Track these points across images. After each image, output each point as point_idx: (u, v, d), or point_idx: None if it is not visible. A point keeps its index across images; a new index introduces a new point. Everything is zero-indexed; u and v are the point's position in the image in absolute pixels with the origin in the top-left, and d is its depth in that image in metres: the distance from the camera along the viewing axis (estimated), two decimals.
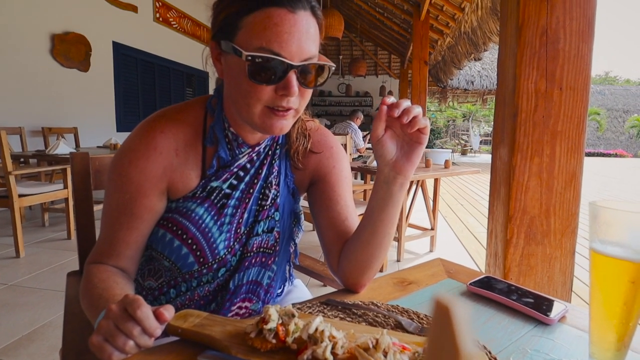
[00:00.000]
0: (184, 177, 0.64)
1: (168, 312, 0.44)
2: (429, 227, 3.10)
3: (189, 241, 0.63)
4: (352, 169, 2.77)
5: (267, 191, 0.69)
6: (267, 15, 0.54)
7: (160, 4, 6.23)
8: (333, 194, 0.71)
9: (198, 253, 0.64)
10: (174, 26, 6.66)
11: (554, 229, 1.28)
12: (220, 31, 0.59)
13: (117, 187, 0.61)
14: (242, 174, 0.67)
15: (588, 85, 1.21)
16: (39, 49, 4.22)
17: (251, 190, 0.68)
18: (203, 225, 0.63)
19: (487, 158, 13.32)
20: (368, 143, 6.50)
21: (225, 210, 0.65)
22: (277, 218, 0.70)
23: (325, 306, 0.59)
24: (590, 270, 0.43)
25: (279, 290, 0.80)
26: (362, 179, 3.36)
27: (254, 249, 0.68)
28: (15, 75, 3.96)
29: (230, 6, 0.57)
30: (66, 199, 3.01)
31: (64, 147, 3.25)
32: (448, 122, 19.24)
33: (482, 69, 10.81)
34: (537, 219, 1.28)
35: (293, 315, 0.44)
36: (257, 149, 0.68)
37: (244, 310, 0.70)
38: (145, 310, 0.42)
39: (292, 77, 0.56)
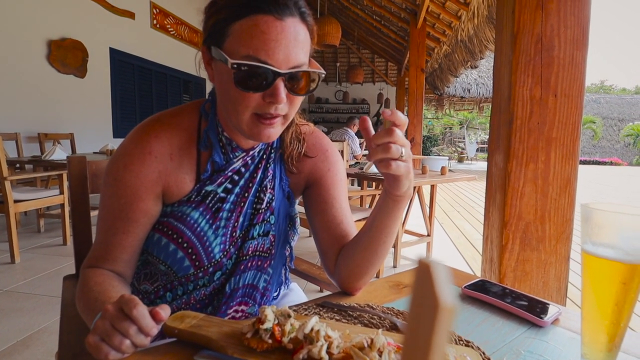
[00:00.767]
0: (178, 181, 0.64)
1: (164, 311, 0.44)
2: (426, 234, 3.11)
3: (185, 245, 0.63)
4: (349, 175, 2.78)
5: (262, 195, 0.69)
6: (254, 23, 0.54)
7: (157, 10, 6.27)
8: (328, 197, 0.72)
9: (194, 257, 0.64)
10: (171, 33, 6.69)
11: (549, 235, 1.29)
12: (210, 37, 0.59)
13: (112, 192, 0.62)
14: (236, 177, 0.68)
15: (582, 92, 1.23)
16: (35, 55, 4.23)
17: (246, 194, 0.68)
18: (198, 229, 0.64)
19: (483, 165, 13.40)
20: (365, 150, 6.53)
21: (221, 214, 0.66)
22: (272, 222, 0.71)
23: (321, 308, 0.59)
24: (582, 271, 0.44)
25: (275, 294, 0.80)
26: (358, 185, 3.37)
27: (250, 252, 0.68)
28: (11, 80, 3.96)
29: (219, 12, 0.57)
30: (62, 205, 3.00)
31: (60, 153, 3.25)
32: (445, 129, 19.36)
33: (478, 77, 10.91)
34: (532, 225, 1.29)
35: (289, 316, 0.45)
36: (251, 153, 0.68)
37: (240, 314, 0.70)
38: (141, 310, 0.43)
39: (280, 84, 0.56)
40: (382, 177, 0.59)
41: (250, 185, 0.69)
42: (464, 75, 10.31)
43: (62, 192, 2.98)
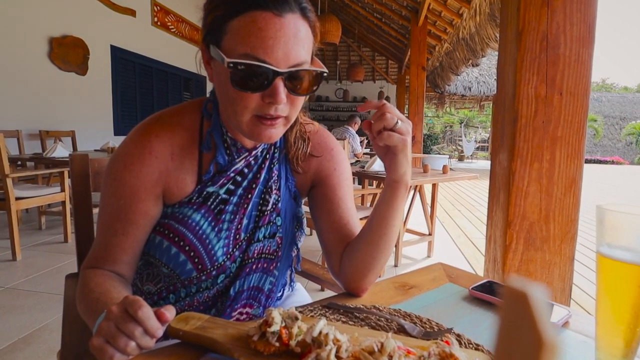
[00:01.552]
0: (179, 181, 0.63)
1: (169, 312, 0.43)
2: (427, 233, 3.10)
3: (186, 248, 0.62)
4: None
5: (267, 196, 0.68)
6: (251, 20, 0.52)
7: (158, 8, 6.25)
8: (334, 197, 0.71)
9: (196, 260, 0.63)
10: (172, 30, 6.67)
11: (553, 234, 1.28)
12: (208, 35, 0.57)
13: (112, 192, 0.61)
14: (239, 178, 0.66)
15: (588, 90, 1.21)
16: (37, 53, 4.22)
17: (250, 196, 0.67)
18: (200, 231, 0.62)
19: (484, 164, 13.38)
20: (365, 148, 6.52)
21: (223, 216, 0.64)
22: (279, 223, 0.69)
23: (327, 310, 0.59)
24: (597, 274, 0.43)
25: (279, 294, 0.79)
26: (359, 184, 3.36)
27: (255, 255, 0.67)
28: (13, 78, 3.95)
29: (217, 9, 0.55)
30: (63, 202, 2.99)
31: (61, 151, 3.24)
32: (445, 127, 19.33)
33: (479, 75, 10.88)
34: (537, 225, 1.28)
35: (296, 318, 0.44)
36: (254, 152, 0.67)
37: (244, 316, 0.69)
38: (147, 311, 0.42)
39: (279, 84, 0.54)
40: (383, 176, 0.60)
41: (254, 186, 0.67)
42: (465, 74, 10.27)
43: (63, 190, 2.97)
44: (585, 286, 2.64)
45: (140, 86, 5.98)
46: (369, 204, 3.59)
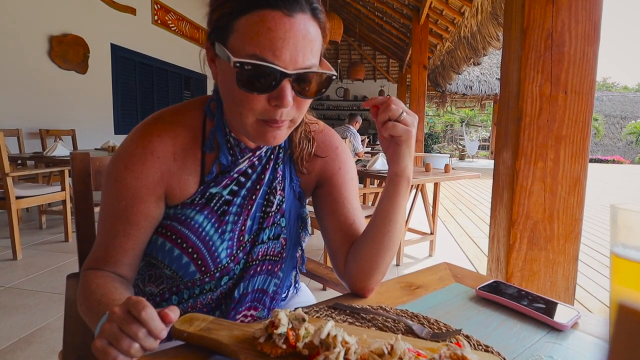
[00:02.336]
0: (181, 182, 0.62)
1: (173, 313, 0.42)
2: (429, 232, 3.09)
3: (189, 250, 0.61)
4: None
5: (271, 197, 0.67)
6: (260, 19, 0.50)
7: (158, 6, 6.23)
8: (339, 197, 0.70)
9: (199, 262, 0.61)
10: (173, 29, 6.66)
11: (557, 234, 1.27)
12: (214, 32, 0.55)
13: (112, 193, 0.59)
14: (243, 179, 0.65)
15: (593, 89, 1.20)
16: (36, 51, 4.20)
17: (253, 197, 0.66)
18: (203, 233, 0.61)
19: (484, 163, 13.35)
20: (367, 147, 6.51)
21: (227, 217, 0.63)
22: (283, 224, 0.68)
23: (333, 310, 0.58)
24: (611, 275, 0.42)
25: (284, 296, 0.78)
26: (361, 183, 3.35)
27: (259, 256, 0.66)
28: (12, 76, 3.94)
29: (223, 5, 0.53)
30: (64, 201, 2.99)
31: (61, 149, 3.23)
32: (446, 127, 19.30)
33: (480, 74, 10.85)
34: (541, 224, 1.27)
35: (303, 320, 0.43)
36: (257, 153, 0.65)
37: (249, 319, 0.68)
38: (150, 312, 0.41)
39: (286, 86, 0.52)
40: (385, 175, 0.59)
41: (258, 187, 0.66)
42: (466, 72, 10.25)
43: (63, 189, 2.96)
44: (587, 285, 2.63)
45: (141, 85, 5.97)
46: (370, 203, 3.58)
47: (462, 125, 18.00)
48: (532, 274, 1.30)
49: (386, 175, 0.62)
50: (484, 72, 10.88)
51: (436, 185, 3.08)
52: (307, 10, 0.52)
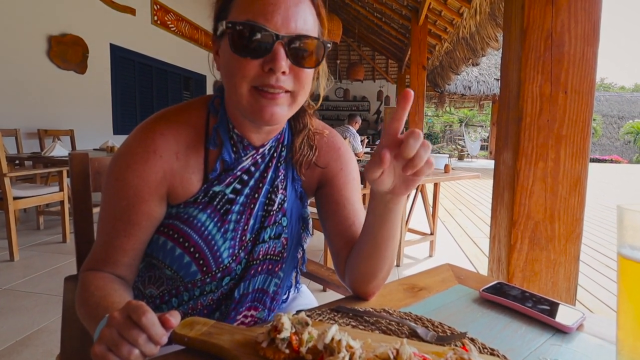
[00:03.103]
0: (184, 181, 0.61)
1: (174, 318, 0.42)
2: (429, 232, 3.09)
3: (191, 249, 0.60)
4: None
5: (273, 196, 0.66)
6: None
7: (158, 6, 6.22)
8: (340, 198, 0.69)
9: (201, 262, 0.61)
10: (172, 29, 6.64)
11: (558, 234, 1.27)
12: (217, 18, 0.58)
13: (114, 192, 0.58)
14: (246, 177, 0.64)
15: (593, 89, 1.20)
16: (35, 51, 4.18)
17: (256, 195, 0.65)
18: (206, 232, 0.60)
19: (484, 163, 13.36)
20: (366, 147, 6.50)
21: (229, 216, 0.62)
22: (284, 224, 0.67)
23: (335, 313, 0.57)
24: (618, 276, 0.41)
25: (284, 297, 0.77)
26: (361, 184, 3.34)
27: (260, 256, 0.65)
28: (11, 76, 3.92)
29: None
30: (62, 202, 2.97)
31: (60, 150, 3.22)
32: (445, 127, 19.32)
33: (479, 75, 10.87)
34: (542, 224, 1.26)
35: (307, 324, 0.42)
36: (261, 150, 0.65)
37: (249, 319, 0.67)
38: (151, 317, 0.40)
39: (279, 49, 0.53)
40: None
41: (261, 185, 0.65)
42: (465, 73, 10.27)
43: (62, 189, 2.95)
44: (587, 285, 2.63)
45: (140, 85, 5.95)
46: None
47: (460, 126, 18.02)
48: (533, 274, 1.30)
49: (396, 182, 0.51)
50: (482, 73, 10.90)
51: (436, 185, 3.08)
52: None
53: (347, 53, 12.86)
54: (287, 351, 0.40)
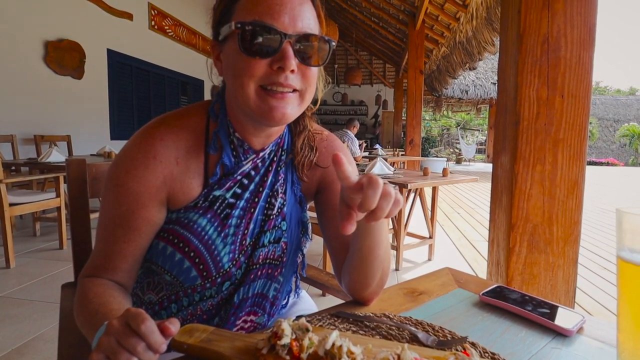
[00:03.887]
0: (185, 186, 0.61)
1: (174, 326, 0.41)
2: (427, 236, 3.09)
3: (191, 254, 0.60)
4: None
5: (273, 200, 0.66)
6: None
7: (155, 12, 6.23)
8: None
9: (201, 267, 0.60)
10: (170, 34, 6.66)
11: (556, 237, 1.27)
12: (219, 23, 0.59)
13: (113, 198, 0.58)
14: (246, 182, 0.64)
15: (589, 92, 1.21)
16: (32, 56, 4.18)
17: (256, 199, 0.65)
18: (206, 237, 0.60)
19: (481, 166, 13.40)
20: (364, 151, 6.52)
21: (229, 220, 0.62)
22: (284, 228, 0.67)
23: (336, 319, 0.57)
24: (618, 279, 0.41)
25: (284, 302, 0.77)
26: None
27: (260, 260, 0.65)
28: (7, 82, 3.92)
29: None
30: (58, 208, 2.95)
31: (56, 155, 3.20)
32: (442, 131, 19.40)
33: (476, 78, 10.94)
34: (540, 227, 1.27)
35: (307, 330, 0.42)
36: (261, 154, 0.65)
37: (249, 324, 0.67)
38: (150, 325, 0.39)
39: (288, 48, 0.53)
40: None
41: (261, 189, 0.65)
42: (462, 77, 10.33)
43: (58, 195, 2.93)
44: (585, 287, 2.63)
45: (137, 90, 5.95)
46: None
47: (457, 129, 18.10)
48: (532, 277, 1.30)
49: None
50: (479, 77, 10.97)
51: (434, 189, 3.08)
52: None
53: (344, 57, 12.93)
54: (287, 357, 0.40)
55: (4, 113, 3.90)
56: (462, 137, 16.15)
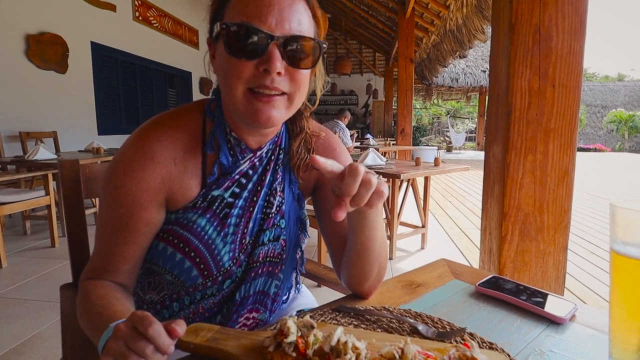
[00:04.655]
0: (183, 186, 0.61)
1: (180, 327, 0.42)
2: (420, 225, 3.12)
3: (192, 254, 0.60)
4: None
5: (271, 198, 0.66)
6: None
7: (139, 2, 6.08)
8: None
9: (202, 266, 0.61)
10: (155, 25, 6.51)
11: (547, 225, 1.30)
12: (212, 21, 0.59)
13: (111, 200, 0.58)
14: (244, 181, 0.64)
15: (580, 82, 1.23)
16: (13, 51, 4.06)
17: (255, 198, 0.65)
18: (206, 237, 0.60)
19: (472, 155, 13.52)
20: (356, 142, 6.52)
21: (229, 220, 0.62)
22: (283, 226, 0.68)
23: (337, 313, 0.58)
24: (610, 271, 0.43)
25: (285, 298, 0.78)
26: None
27: (260, 258, 0.66)
28: None
29: None
30: (48, 206, 2.91)
31: (43, 152, 3.15)
32: (433, 119, 19.47)
33: (466, 67, 10.97)
34: (531, 216, 1.29)
35: (312, 327, 0.43)
36: (258, 153, 0.65)
37: (251, 321, 0.68)
38: (157, 328, 0.40)
39: (274, 50, 0.53)
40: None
41: (259, 188, 0.65)
42: (452, 65, 10.34)
43: (47, 193, 2.89)
44: (578, 274, 2.70)
45: (124, 84, 5.83)
46: None
47: (447, 118, 18.19)
48: (523, 264, 1.33)
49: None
50: (469, 65, 11.00)
51: (427, 179, 3.11)
52: None
53: (334, 47, 12.81)
54: (293, 354, 0.41)
55: None
56: (452, 126, 16.25)
